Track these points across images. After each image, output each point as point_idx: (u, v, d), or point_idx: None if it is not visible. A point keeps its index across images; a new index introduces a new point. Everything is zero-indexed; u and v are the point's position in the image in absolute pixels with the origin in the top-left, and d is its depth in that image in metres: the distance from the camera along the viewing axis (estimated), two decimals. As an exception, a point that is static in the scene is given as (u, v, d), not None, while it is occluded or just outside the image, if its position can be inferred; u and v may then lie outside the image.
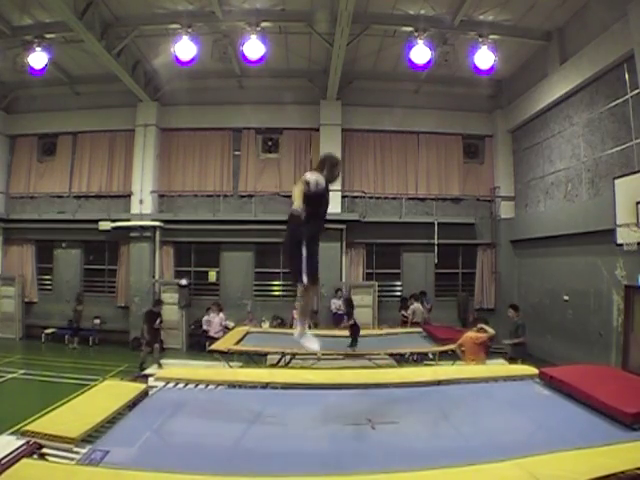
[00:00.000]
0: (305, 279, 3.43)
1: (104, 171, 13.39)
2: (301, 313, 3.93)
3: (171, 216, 12.80)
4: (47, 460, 2.65)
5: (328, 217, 13.36)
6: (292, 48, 11.33)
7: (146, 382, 4.12)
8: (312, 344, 3.83)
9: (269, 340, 8.09)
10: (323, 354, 6.94)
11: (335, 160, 3.84)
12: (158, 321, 9.80)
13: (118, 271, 13.26)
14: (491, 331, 6.91)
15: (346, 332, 7.77)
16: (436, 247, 12.49)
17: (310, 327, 9.40)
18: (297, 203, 3.44)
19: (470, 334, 6.97)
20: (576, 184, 10.00)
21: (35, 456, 2.65)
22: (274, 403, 3.80)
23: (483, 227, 13.05)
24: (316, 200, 3.62)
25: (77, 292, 12.84)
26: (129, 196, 12.95)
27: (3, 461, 2.42)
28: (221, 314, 11.06)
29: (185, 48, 9.83)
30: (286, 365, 6.96)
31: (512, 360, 7.35)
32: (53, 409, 3.39)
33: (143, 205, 12.76)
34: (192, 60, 10.06)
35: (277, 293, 13.11)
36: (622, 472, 2.37)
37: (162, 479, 2.40)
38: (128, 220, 12.55)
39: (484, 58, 10.15)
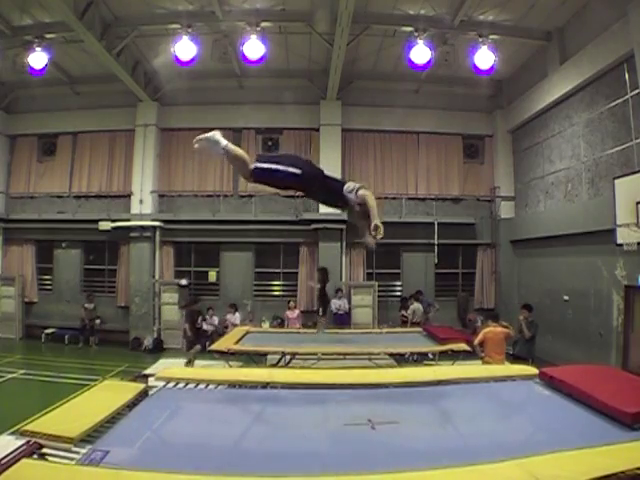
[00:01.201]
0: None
1: (104, 171, 13.39)
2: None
3: (171, 216, 12.80)
4: (47, 460, 2.65)
5: (328, 217, 13.37)
6: (292, 48, 11.33)
7: (146, 382, 4.11)
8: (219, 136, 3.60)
9: (269, 340, 8.09)
10: (323, 354, 6.95)
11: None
12: (200, 319, 9.80)
13: (118, 271, 13.25)
14: (511, 327, 7.03)
15: (346, 330, 7.81)
16: (436, 247, 12.50)
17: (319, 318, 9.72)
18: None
19: (494, 329, 7.04)
20: (576, 184, 10.00)
21: (35, 456, 2.65)
22: (274, 403, 3.80)
23: (483, 227, 13.05)
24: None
25: (87, 293, 12.87)
26: (129, 196, 12.95)
27: (3, 461, 2.42)
28: (237, 314, 11.03)
29: (185, 48, 9.81)
30: (286, 365, 6.96)
31: (521, 360, 7.38)
32: (53, 409, 3.38)
33: (143, 205, 12.76)
34: (192, 60, 10.04)
35: (277, 293, 13.11)
36: (622, 472, 2.37)
37: (161, 479, 2.39)
38: (128, 220, 12.54)
39: (484, 58, 10.13)
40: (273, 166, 3.50)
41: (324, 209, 12.40)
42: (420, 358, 8.15)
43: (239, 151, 3.60)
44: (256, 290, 12.97)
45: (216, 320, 11.57)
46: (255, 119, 13.09)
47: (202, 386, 4.18)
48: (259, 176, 3.52)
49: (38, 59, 10.22)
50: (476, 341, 7.11)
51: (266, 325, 11.82)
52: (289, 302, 11.80)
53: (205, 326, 11.45)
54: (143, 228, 12.55)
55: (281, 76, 12.52)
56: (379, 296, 12.20)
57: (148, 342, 12.09)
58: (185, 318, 9.74)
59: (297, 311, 11.65)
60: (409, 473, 2.47)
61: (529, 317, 8.20)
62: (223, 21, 10.01)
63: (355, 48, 10.84)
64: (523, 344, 8.09)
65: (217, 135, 3.54)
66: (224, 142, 3.52)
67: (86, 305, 12.52)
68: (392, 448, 2.96)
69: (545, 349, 10.21)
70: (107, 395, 3.63)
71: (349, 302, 11.93)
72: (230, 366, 6.89)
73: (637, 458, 2.51)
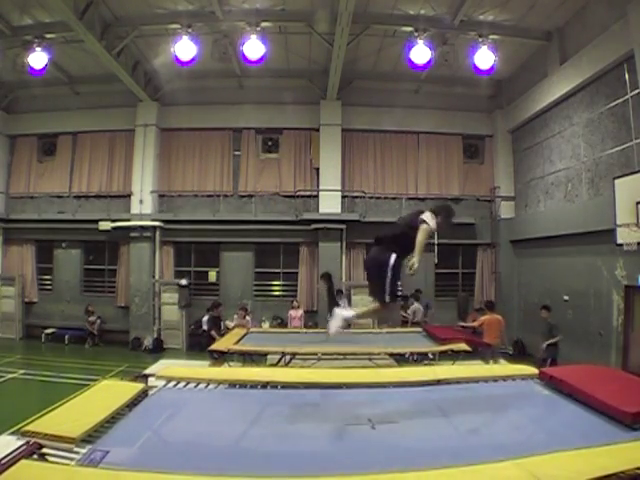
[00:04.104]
0: (387, 298, 3.66)
1: (104, 171, 13.40)
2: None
3: (171, 216, 12.81)
4: (47, 460, 2.65)
5: (328, 217, 13.30)
6: (292, 48, 11.33)
7: (146, 382, 4.11)
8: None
9: (269, 340, 8.08)
10: (323, 354, 6.94)
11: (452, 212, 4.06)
12: (223, 326, 9.66)
13: (118, 271, 13.26)
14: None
15: (346, 330, 7.79)
16: (436, 247, 12.48)
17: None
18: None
19: (491, 317, 8.17)
20: (576, 184, 10.00)
21: (35, 456, 2.64)
22: (274, 403, 3.80)
23: (483, 227, 13.05)
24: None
25: (85, 305, 12.75)
26: (129, 196, 12.95)
27: (3, 461, 2.42)
28: (247, 317, 10.53)
29: (185, 48, 9.83)
30: (286, 365, 6.96)
31: (543, 362, 7.38)
32: (53, 409, 3.38)
33: (143, 205, 12.77)
34: (192, 60, 10.06)
35: (277, 293, 13.12)
36: (622, 472, 2.36)
37: (161, 479, 2.39)
38: (128, 220, 12.55)
39: (484, 58, 10.15)
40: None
41: (324, 209, 12.42)
42: (420, 358, 8.13)
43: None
44: (256, 290, 12.97)
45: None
46: (255, 119, 13.11)
47: (202, 386, 4.18)
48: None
49: (38, 59, 10.24)
50: (476, 324, 8.30)
51: (266, 325, 11.81)
52: (293, 301, 11.79)
53: (205, 326, 11.39)
54: (143, 228, 12.55)
55: (281, 76, 12.53)
56: (379, 296, 12.17)
57: (148, 342, 12.10)
58: (207, 324, 9.49)
59: (301, 311, 11.62)
60: (409, 473, 2.47)
61: (548, 318, 8.25)
62: (223, 21, 10.02)
63: (355, 48, 10.85)
64: (550, 347, 8.04)
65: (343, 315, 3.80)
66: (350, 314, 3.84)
67: (90, 319, 12.55)
68: (392, 448, 2.96)
69: (545, 349, 10.22)
70: (107, 395, 3.62)
71: (349, 302, 11.92)
72: (230, 366, 6.89)
73: (637, 458, 2.51)
